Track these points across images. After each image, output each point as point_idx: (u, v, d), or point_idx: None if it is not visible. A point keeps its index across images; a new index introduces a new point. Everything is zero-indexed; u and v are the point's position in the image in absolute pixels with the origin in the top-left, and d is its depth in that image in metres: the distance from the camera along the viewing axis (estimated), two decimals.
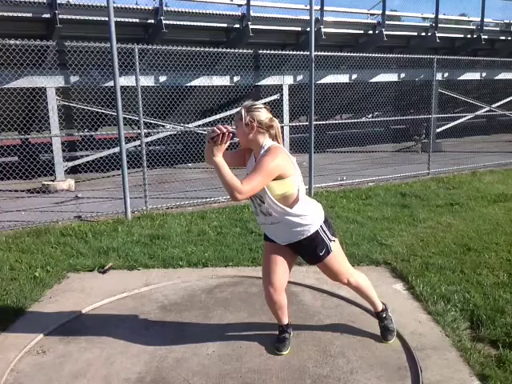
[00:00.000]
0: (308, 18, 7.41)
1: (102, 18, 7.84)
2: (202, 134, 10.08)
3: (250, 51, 8.44)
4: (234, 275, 4.10)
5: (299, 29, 10.53)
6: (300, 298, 3.59)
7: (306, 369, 2.68)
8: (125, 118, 6.11)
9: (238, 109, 2.64)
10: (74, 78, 8.17)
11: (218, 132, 2.32)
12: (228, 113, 10.14)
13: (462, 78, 13.14)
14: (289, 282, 3.72)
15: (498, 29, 13.68)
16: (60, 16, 7.78)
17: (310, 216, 2.62)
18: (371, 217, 5.84)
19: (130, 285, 3.95)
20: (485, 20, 12.84)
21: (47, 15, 7.89)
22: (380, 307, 2.97)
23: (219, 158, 2.38)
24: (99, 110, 8.47)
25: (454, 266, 4.06)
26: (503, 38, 13.65)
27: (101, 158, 8.49)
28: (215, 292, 3.78)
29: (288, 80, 10.34)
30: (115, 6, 6.28)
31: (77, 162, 8.77)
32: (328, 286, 3.65)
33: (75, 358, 2.86)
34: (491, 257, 4.26)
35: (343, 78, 11.35)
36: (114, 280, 4.10)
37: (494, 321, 3.05)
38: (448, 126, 12.68)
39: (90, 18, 8.16)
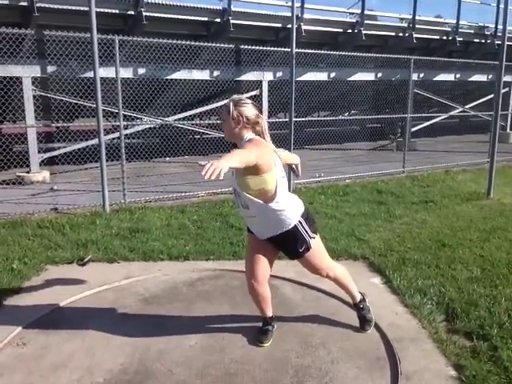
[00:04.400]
0: (289, 14, 7.46)
1: (81, 8, 7.72)
2: (180, 128, 10.03)
3: (230, 46, 8.43)
4: (215, 269, 4.13)
5: (279, 25, 10.56)
6: (281, 291, 3.64)
7: (289, 359, 2.73)
8: (103, 110, 6.03)
9: (226, 101, 2.65)
10: (51, 68, 8.01)
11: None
12: (208, 107, 10.11)
13: (437, 78, 13.41)
14: (270, 276, 3.79)
15: (472, 31, 13.99)
16: (38, 4, 7.62)
17: (288, 211, 2.65)
18: (349, 213, 5.93)
19: (110, 277, 3.93)
20: (460, 22, 13.13)
21: (24, 3, 7.70)
22: (358, 298, 3.06)
23: (227, 164, 2.18)
24: (77, 102, 8.34)
25: (429, 261, 4.18)
26: (477, 40, 13.98)
27: (78, 149, 8.37)
28: (197, 285, 3.79)
29: (268, 76, 10.37)
30: None
31: (52, 154, 8.61)
32: (308, 280, 3.70)
33: (56, 350, 2.84)
34: (465, 252, 4.40)
35: (322, 76, 11.44)
36: (93, 273, 4.07)
37: (468, 314, 3.16)
38: (422, 125, 12.94)
39: (69, 7, 8.00)
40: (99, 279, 3.88)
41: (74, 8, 7.95)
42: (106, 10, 8.28)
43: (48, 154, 8.56)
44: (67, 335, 3.02)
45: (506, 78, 12.26)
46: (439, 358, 2.73)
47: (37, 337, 3.00)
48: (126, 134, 8.86)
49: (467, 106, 13.41)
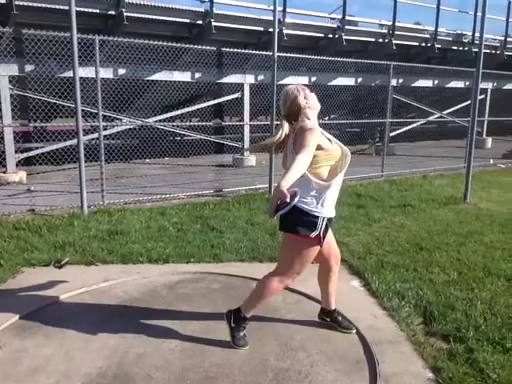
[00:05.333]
0: (271, 18, 7.48)
1: (60, 7, 7.63)
2: (161, 129, 9.97)
3: (212, 48, 8.43)
4: (196, 271, 4.10)
5: (261, 29, 10.60)
6: None
7: (268, 362, 2.74)
8: (82, 111, 5.94)
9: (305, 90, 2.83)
10: (29, 67, 7.88)
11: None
12: (188, 109, 10.08)
13: (415, 84, 13.62)
14: (250, 279, 3.81)
15: (450, 39, 14.27)
16: (16, 2, 7.49)
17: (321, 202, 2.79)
18: None
19: (89, 280, 3.87)
20: (438, 29, 13.37)
21: (2, 0, 7.56)
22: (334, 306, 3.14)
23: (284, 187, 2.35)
24: (56, 101, 8.21)
25: (407, 265, 4.24)
26: (455, 47, 14.25)
27: (56, 150, 8.25)
28: (177, 288, 3.77)
29: (249, 79, 10.39)
30: None
31: (29, 154, 8.46)
32: None
33: (33, 354, 2.79)
34: (442, 256, 4.48)
35: (303, 80, 11.51)
36: (71, 275, 4.00)
37: (445, 316, 3.22)
38: (401, 130, 13.12)
39: (48, 5, 7.89)
40: (77, 282, 3.82)
41: (53, 7, 7.86)
42: (86, 10, 8.20)
43: (25, 154, 8.41)
44: (44, 339, 2.96)
45: (483, 85, 12.54)
46: (417, 361, 2.77)
47: (12, 340, 2.94)
48: (106, 135, 8.77)
49: (445, 112, 13.66)
